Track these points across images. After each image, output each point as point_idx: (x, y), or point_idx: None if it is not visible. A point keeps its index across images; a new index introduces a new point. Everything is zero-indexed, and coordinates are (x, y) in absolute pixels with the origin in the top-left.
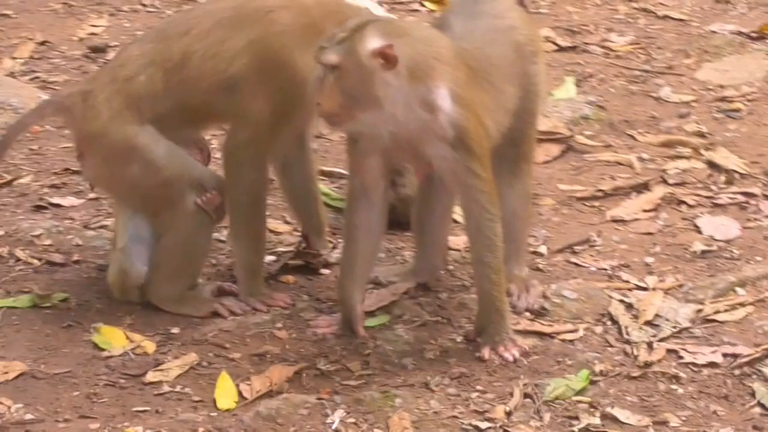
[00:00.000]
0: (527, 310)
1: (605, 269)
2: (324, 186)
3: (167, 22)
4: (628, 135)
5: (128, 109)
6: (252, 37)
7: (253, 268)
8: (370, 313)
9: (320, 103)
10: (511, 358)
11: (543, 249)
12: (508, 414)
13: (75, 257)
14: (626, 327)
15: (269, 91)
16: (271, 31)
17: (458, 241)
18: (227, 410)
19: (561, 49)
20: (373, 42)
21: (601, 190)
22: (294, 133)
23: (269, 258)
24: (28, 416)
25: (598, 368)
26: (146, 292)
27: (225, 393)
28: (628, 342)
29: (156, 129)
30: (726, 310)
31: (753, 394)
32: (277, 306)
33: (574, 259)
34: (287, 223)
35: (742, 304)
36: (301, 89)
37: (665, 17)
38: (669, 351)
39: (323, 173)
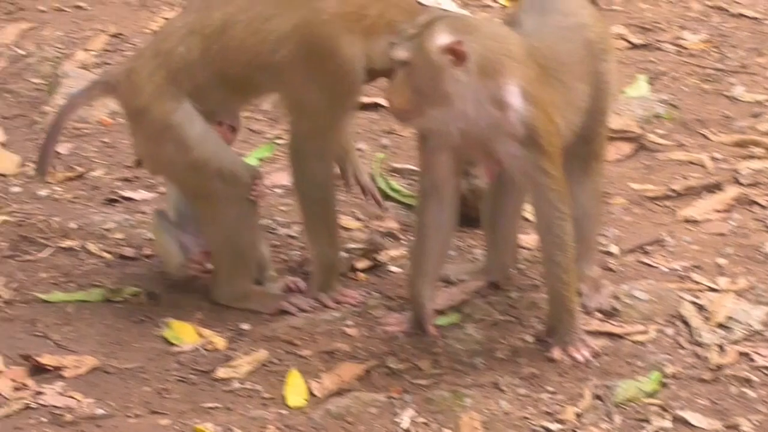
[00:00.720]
0: (598, 310)
1: (677, 270)
2: (395, 182)
3: None
4: (701, 134)
5: (169, 83)
6: (297, 22)
7: (329, 262)
8: (441, 312)
9: (391, 99)
10: (581, 359)
11: (614, 249)
12: (578, 416)
13: (146, 251)
14: (697, 329)
15: (321, 81)
16: (317, 19)
17: (529, 239)
18: (297, 408)
19: (633, 46)
20: (442, 38)
21: (673, 190)
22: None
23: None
24: (99, 411)
25: (669, 370)
26: (212, 294)
27: (295, 390)
28: (699, 344)
29: (195, 105)
30: None
31: None
32: (347, 303)
33: (645, 260)
34: (358, 219)
35: None
36: (352, 78)
37: (739, 15)
38: (741, 354)
39: (394, 170)
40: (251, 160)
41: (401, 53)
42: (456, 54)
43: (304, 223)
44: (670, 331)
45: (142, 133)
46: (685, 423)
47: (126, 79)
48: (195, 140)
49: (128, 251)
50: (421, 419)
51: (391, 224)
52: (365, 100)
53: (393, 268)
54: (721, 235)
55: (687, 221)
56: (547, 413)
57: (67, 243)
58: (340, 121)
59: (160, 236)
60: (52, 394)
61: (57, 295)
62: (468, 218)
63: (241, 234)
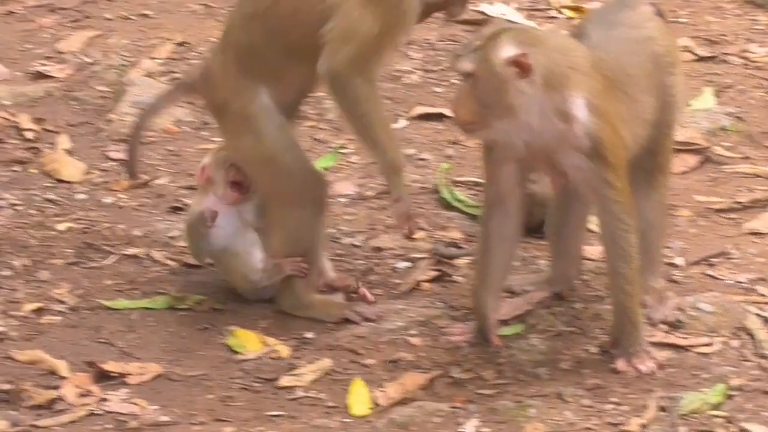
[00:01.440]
0: (662, 322)
1: (742, 282)
2: (459, 193)
3: None
4: (767, 147)
5: (242, 74)
6: None
7: (394, 165)
8: (505, 322)
9: (456, 111)
10: (645, 370)
11: (679, 260)
12: (643, 427)
13: (209, 259)
14: (763, 341)
15: (377, 10)
16: None
17: (593, 250)
18: (361, 417)
19: (700, 59)
20: (507, 50)
21: (738, 202)
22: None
23: (404, 264)
24: (163, 418)
25: (734, 382)
26: (277, 301)
27: (359, 399)
28: (764, 356)
29: (273, 93)
30: None
31: None
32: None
33: (710, 272)
34: (422, 229)
35: None
36: (406, 10)
37: None
38: None
39: (459, 181)
40: None
41: (466, 65)
42: (521, 66)
43: (359, 140)
44: (735, 343)
45: (226, 127)
46: None
47: (202, 77)
48: (270, 134)
49: (193, 259)
50: (485, 429)
51: (456, 234)
52: (429, 110)
53: (457, 278)
54: None
55: (752, 234)
56: (612, 424)
57: (132, 250)
58: (387, 51)
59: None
60: (116, 400)
61: (121, 303)
62: (533, 228)
63: (303, 243)
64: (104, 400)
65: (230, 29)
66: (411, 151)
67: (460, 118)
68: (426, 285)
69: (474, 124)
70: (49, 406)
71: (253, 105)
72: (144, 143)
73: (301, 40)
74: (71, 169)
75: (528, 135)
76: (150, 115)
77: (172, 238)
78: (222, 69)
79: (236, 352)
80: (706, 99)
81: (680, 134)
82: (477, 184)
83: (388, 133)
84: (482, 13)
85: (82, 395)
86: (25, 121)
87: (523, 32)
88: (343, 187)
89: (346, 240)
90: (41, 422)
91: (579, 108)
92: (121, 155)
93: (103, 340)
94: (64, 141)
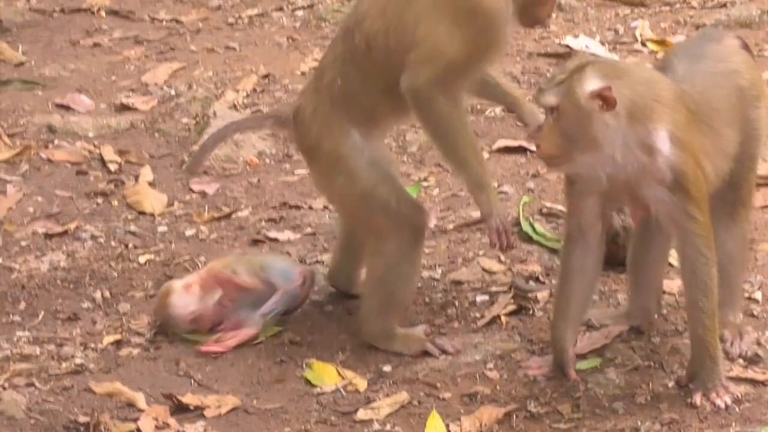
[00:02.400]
0: (740, 356)
1: None
2: (539, 226)
3: (346, 18)
4: None
5: (334, 116)
6: (435, 2)
7: (481, 182)
8: (582, 356)
9: (540, 145)
10: (723, 405)
11: (758, 295)
12: None
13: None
14: None
15: (466, 34)
16: None
17: (672, 284)
18: None
19: None
20: (591, 84)
21: None
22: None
23: (482, 297)
24: None
25: None
26: (358, 330)
27: None
28: None
29: (363, 132)
30: None
31: None
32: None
33: None
34: (501, 262)
35: None
36: (495, 27)
37: None
38: None
39: (539, 213)
40: None
41: (550, 99)
42: (605, 99)
43: (445, 157)
44: None
45: (317, 167)
46: None
47: (294, 117)
48: (364, 171)
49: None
50: None
51: (535, 267)
52: (511, 143)
53: (536, 312)
54: None
55: None
56: None
57: None
58: (473, 72)
59: None
60: None
61: (200, 335)
62: (617, 258)
63: (400, 272)
64: None
65: (323, 71)
66: (492, 184)
67: (544, 152)
68: (504, 318)
69: (558, 157)
70: None
71: (345, 145)
72: (226, 175)
73: (395, 81)
74: (153, 201)
75: (611, 168)
76: (236, 128)
77: None
78: (313, 110)
79: (313, 385)
80: None
81: (763, 168)
82: (558, 217)
83: (473, 151)
84: (566, 46)
85: (160, 427)
86: (108, 153)
87: (607, 65)
88: None
89: (426, 273)
90: None
91: (662, 141)
92: (203, 188)
93: (181, 373)
94: (146, 173)
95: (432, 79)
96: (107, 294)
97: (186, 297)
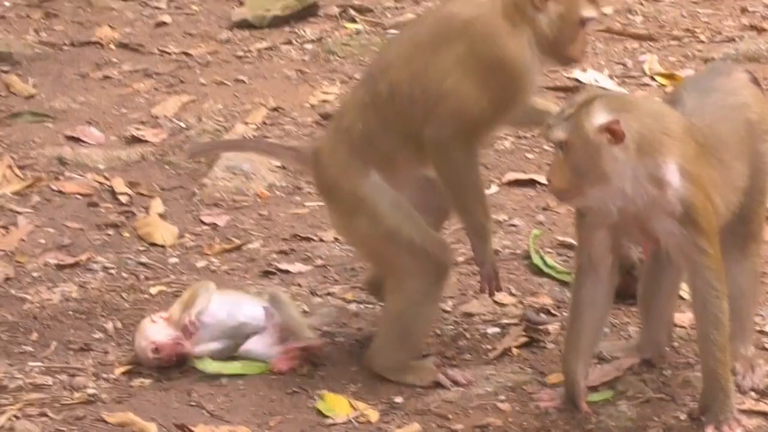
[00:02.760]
0: (752, 389)
1: None
2: (549, 258)
3: (370, 64)
4: None
5: (353, 158)
6: (460, 51)
7: (483, 231)
8: (594, 388)
9: (550, 179)
10: None
11: None
12: None
13: None
14: None
15: (494, 94)
16: (479, 38)
17: (683, 317)
18: None
19: None
20: (599, 117)
21: None
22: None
23: (494, 330)
24: None
25: None
26: (369, 360)
27: None
28: None
29: (383, 174)
30: None
31: None
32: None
33: None
34: (512, 294)
35: None
36: (521, 78)
37: None
38: None
39: (550, 245)
40: None
41: (558, 134)
42: (613, 133)
43: (452, 204)
44: None
45: (336, 208)
46: None
47: (313, 158)
48: (386, 212)
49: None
50: None
51: (546, 300)
52: (521, 176)
53: (547, 344)
54: None
55: None
56: None
57: None
58: (497, 126)
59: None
60: None
61: (213, 365)
62: (631, 290)
63: (420, 310)
64: None
65: (344, 114)
66: (502, 216)
67: (554, 186)
68: (516, 350)
69: (568, 191)
70: None
71: (365, 186)
72: (237, 207)
73: (417, 129)
74: (164, 232)
75: (621, 201)
76: (254, 146)
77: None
78: (332, 152)
79: (325, 416)
80: None
81: None
82: (568, 249)
83: (481, 201)
84: (575, 79)
85: None
86: (119, 185)
87: (615, 99)
88: None
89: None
90: None
91: (672, 173)
92: (214, 220)
93: (193, 403)
94: (157, 205)
95: (456, 134)
96: (119, 325)
97: (149, 329)
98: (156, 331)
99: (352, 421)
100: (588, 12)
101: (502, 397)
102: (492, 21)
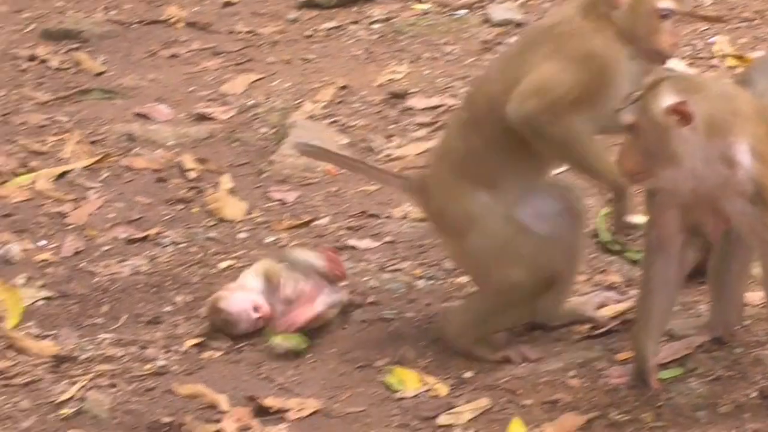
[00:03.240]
0: None
1: None
2: (620, 237)
3: (468, 89)
4: None
5: (459, 180)
6: (546, 50)
7: (620, 187)
8: (664, 366)
9: (621, 161)
10: None
11: None
12: None
13: (370, 299)
14: None
15: (577, 76)
16: (563, 36)
17: (754, 296)
18: None
19: None
20: (667, 99)
21: None
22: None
23: None
24: None
25: None
26: (443, 325)
27: None
28: None
29: (492, 193)
30: None
31: None
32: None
33: None
34: (580, 273)
35: None
36: (608, 73)
37: None
38: None
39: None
40: None
41: (627, 116)
42: (682, 114)
43: (578, 175)
44: None
45: (446, 234)
46: None
47: (420, 186)
48: (497, 227)
49: (352, 298)
50: None
51: (615, 278)
52: None
53: (617, 322)
54: None
55: None
56: None
57: None
58: (587, 110)
59: None
60: None
61: (278, 338)
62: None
63: (514, 311)
64: None
65: (446, 138)
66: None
67: (625, 168)
68: (586, 327)
69: (639, 173)
70: None
71: (474, 206)
72: (305, 184)
73: (518, 141)
74: (233, 208)
75: (692, 182)
76: (355, 166)
77: None
78: (438, 177)
79: (395, 390)
80: None
81: None
82: (638, 228)
83: (603, 163)
84: None
85: (242, 429)
86: (188, 161)
87: (683, 80)
88: None
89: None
90: None
91: (743, 154)
92: (283, 196)
93: (263, 376)
94: (226, 181)
95: (538, 111)
96: (188, 298)
97: (237, 295)
98: (247, 295)
99: (422, 395)
100: (663, 3)
101: (572, 374)
102: (573, 20)
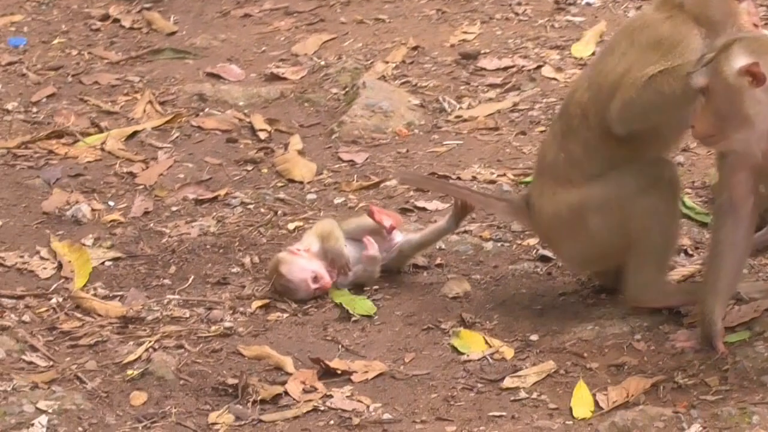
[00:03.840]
0: None
1: None
2: (689, 200)
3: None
4: None
5: (563, 190)
6: (624, 46)
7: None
8: (730, 329)
9: (694, 125)
10: None
11: None
12: None
13: (437, 261)
14: None
15: (660, 63)
16: (638, 29)
17: None
18: (583, 419)
19: None
20: (739, 60)
21: None
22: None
23: None
24: (386, 416)
25: None
26: (633, 299)
27: (581, 402)
28: None
29: (597, 184)
30: None
31: None
32: None
33: None
34: None
35: None
36: (685, 54)
37: None
38: None
39: (690, 186)
40: None
41: (700, 80)
42: (754, 75)
43: None
44: None
45: (562, 241)
46: None
47: (524, 205)
48: (607, 192)
49: (420, 260)
50: None
51: (684, 241)
52: None
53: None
54: None
55: None
56: None
57: None
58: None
59: None
60: (340, 397)
61: (343, 297)
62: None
63: (668, 230)
64: (328, 396)
65: (545, 153)
66: None
67: (699, 132)
68: None
69: (712, 136)
70: (274, 401)
71: (580, 196)
72: (375, 145)
73: (615, 140)
74: (303, 169)
75: (765, 143)
76: (458, 193)
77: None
78: (540, 193)
79: (460, 353)
80: None
81: None
82: (707, 190)
83: None
84: None
85: (307, 391)
86: (258, 121)
87: (755, 41)
88: None
89: None
90: (266, 416)
91: None
92: (352, 157)
93: (328, 338)
94: (296, 142)
95: (631, 104)
96: (256, 259)
97: (301, 261)
98: (309, 262)
99: (487, 357)
100: None
101: (638, 337)
102: (646, 14)
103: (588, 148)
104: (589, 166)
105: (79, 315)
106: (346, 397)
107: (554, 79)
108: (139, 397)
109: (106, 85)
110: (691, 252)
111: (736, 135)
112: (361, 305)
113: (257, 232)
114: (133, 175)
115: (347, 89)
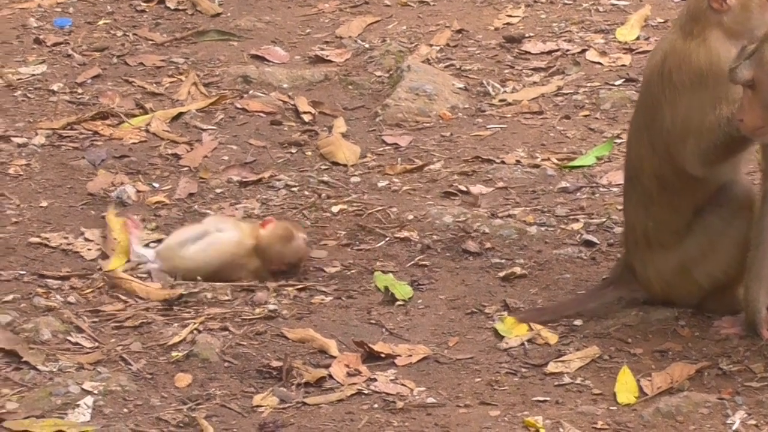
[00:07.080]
0: None
1: None
2: None
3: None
4: None
5: (661, 256)
6: (655, 80)
7: None
8: None
9: (743, 119)
10: None
11: None
12: None
13: (486, 245)
14: None
15: (699, 92)
16: (665, 59)
17: None
18: (627, 405)
19: None
20: None
21: None
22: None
23: None
24: (430, 399)
25: None
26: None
27: (625, 387)
28: None
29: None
30: None
31: None
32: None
33: None
34: None
35: None
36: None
37: None
38: None
39: None
40: (589, 158)
41: (744, 73)
42: None
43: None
44: None
45: (678, 291)
46: None
47: (629, 275)
48: (699, 249)
49: (471, 245)
50: (752, 421)
51: None
52: None
53: None
54: None
55: None
56: None
57: (404, 234)
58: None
59: None
60: (384, 381)
61: (384, 280)
62: None
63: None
64: (372, 380)
65: (633, 226)
66: None
67: (749, 126)
68: None
69: (762, 128)
70: (317, 384)
71: (681, 255)
72: (419, 128)
73: (699, 187)
74: (346, 152)
75: None
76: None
77: (444, 223)
78: (644, 267)
79: (504, 337)
80: None
81: None
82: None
83: None
84: None
85: (351, 374)
86: (302, 104)
87: None
88: (615, 177)
89: (618, 229)
90: (310, 399)
91: None
92: (396, 140)
93: (372, 321)
94: (340, 124)
95: (697, 156)
96: None
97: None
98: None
99: (531, 342)
100: None
101: (682, 323)
102: (675, 46)
103: (673, 207)
104: (676, 224)
105: (123, 296)
106: (390, 380)
107: (598, 63)
108: (183, 379)
109: (150, 67)
110: None
111: None
112: (400, 289)
113: (301, 214)
114: (177, 156)
115: (391, 72)
